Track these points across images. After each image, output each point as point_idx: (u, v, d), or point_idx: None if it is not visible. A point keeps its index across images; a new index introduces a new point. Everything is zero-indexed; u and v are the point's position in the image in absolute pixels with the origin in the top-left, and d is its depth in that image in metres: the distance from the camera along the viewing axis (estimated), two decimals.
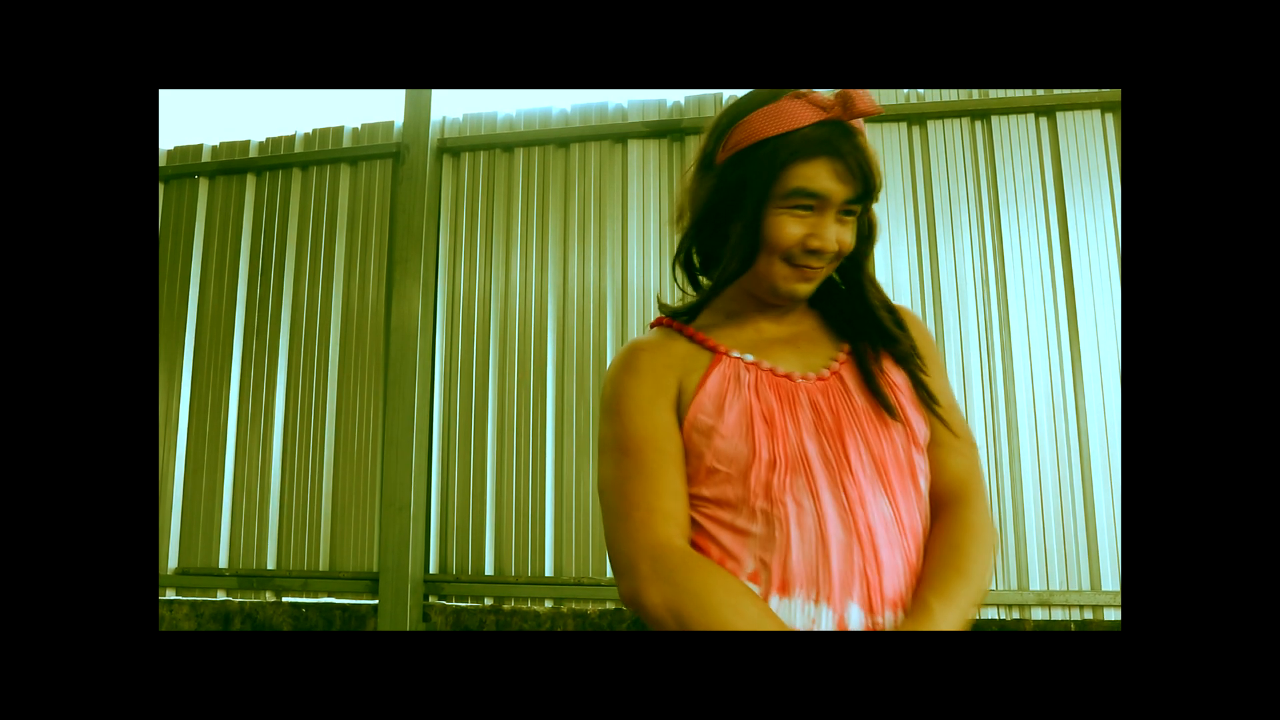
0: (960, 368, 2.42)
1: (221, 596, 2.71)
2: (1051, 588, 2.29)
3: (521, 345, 2.67)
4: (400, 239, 2.71)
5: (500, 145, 2.79)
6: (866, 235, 0.87)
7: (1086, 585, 2.28)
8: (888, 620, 0.75)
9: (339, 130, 2.91)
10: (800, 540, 0.76)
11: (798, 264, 0.82)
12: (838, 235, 0.81)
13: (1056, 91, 2.46)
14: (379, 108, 2.93)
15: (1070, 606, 2.28)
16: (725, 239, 0.85)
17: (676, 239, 0.91)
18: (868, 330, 0.89)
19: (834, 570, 0.75)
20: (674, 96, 2.73)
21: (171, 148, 3.03)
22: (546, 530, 2.56)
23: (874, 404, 0.83)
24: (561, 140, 2.75)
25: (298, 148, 2.93)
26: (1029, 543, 2.31)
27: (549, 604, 2.54)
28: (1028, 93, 2.49)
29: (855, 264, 0.89)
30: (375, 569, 2.61)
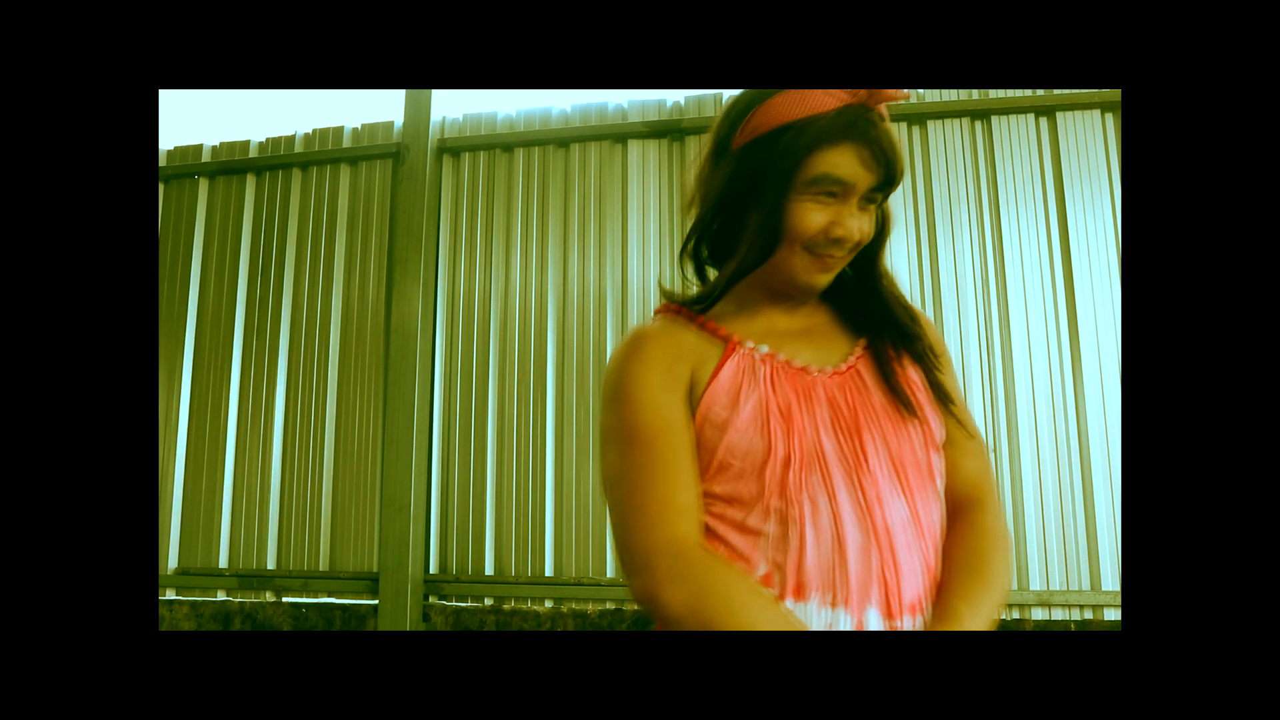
0: (960, 368, 2.42)
1: (221, 596, 2.71)
2: (1051, 588, 2.29)
3: (521, 345, 2.67)
4: (400, 239, 2.71)
5: (500, 145, 2.79)
6: (880, 227, 0.84)
7: (1086, 585, 2.28)
8: (905, 626, 0.73)
9: (339, 130, 2.91)
10: (815, 541, 0.73)
11: (819, 254, 0.79)
12: (859, 224, 0.78)
13: (1056, 91, 2.46)
14: (379, 108, 2.93)
15: (1070, 606, 2.28)
16: (740, 228, 0.82)
17: (686, 227, 0.87)
18: (884, 325, 0.86)
19: (851, 573, 0.72)
20: (674, 96, 2.73)
21: (171, 148, 3.03)
22: (546, 530, 2.56)
23: (892, 401, 0.81)
24: (561, 140, 2.75)
25: (298, 148, 2.93)
26: (1029, 543, 2.31)
27: (549, 604, 2.54)
28: (1028, 93, 2.49)
29: (870, 257, 0.85)
30: (375, 569, 2.61)
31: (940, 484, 0.82)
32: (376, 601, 2.56)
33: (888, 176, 0.77)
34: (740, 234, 0.82)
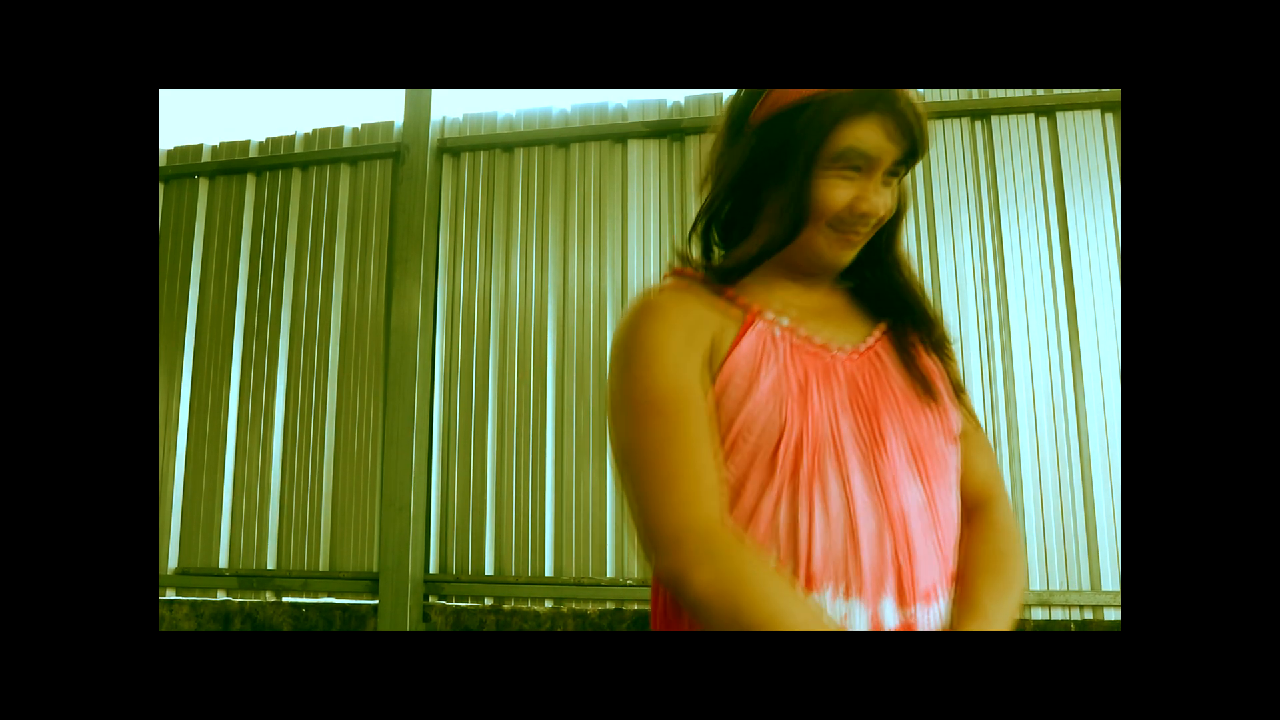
0: (960, 367, 2.41)
1: (221, 596, 2.71)
2: (1051, 588, 2.29)
3: (521, 345, 2.67)
4: (400, 239, 2.71)
5: (500, 145, 2.79)
6: (899, 204, 0.82)
7: (1086, 585, 2.28)
8: (918, 613, 0.71)
9: (339, 130, 2.91)
10: (826, 529, 0.70)
11: (843, 230, 0.77)
12: (884, 199, 0.76)
13: (1056, 91, 2.46)
14: (379, 108, 2.93)
15: (1070, 606, 2.28)
16: (757, 206, 0.80)
17: (692, 214, 0.87)
18: (904, 310, 0.85)
19: (864, 561, 0.70)
20: (674, 96, 2.73)
21: (171, 148, 3.03)
22: (546, 530, 2.56)
23: (913, 385, 0.79)
24: (561, 140, 2.75)
25: (298, 148, 2.93)
26: (1029, 543, 2.30)
27: (549, 604, 2.54)
28: (1028, 93, 2.49)
29: (890, 237, 0.84)
30: (375, 569, 2.61)
31: (955, 477, 0.80)
32: (376, 601, 2.56)
33: (912, 149, 0.75)
34: (758, 212, 0.81)
